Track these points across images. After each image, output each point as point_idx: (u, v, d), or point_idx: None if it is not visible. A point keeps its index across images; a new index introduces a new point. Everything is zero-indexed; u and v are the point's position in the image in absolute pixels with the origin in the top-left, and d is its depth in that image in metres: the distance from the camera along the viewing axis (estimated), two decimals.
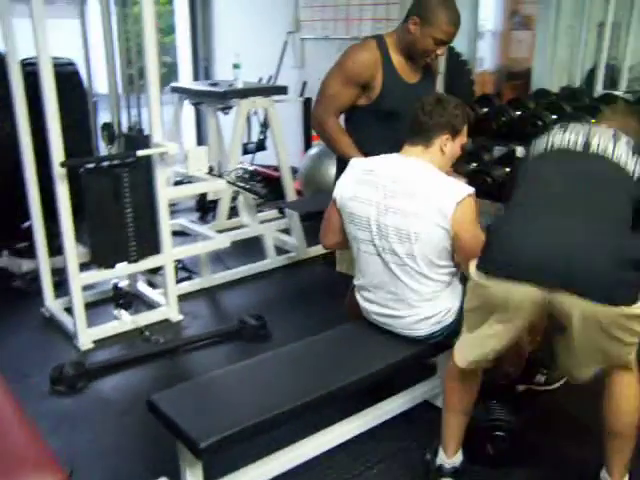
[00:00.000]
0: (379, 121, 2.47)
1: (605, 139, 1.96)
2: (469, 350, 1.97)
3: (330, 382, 2.05)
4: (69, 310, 3.21)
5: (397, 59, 2.44)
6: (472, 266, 1.91)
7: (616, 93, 3.45)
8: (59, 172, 2.79)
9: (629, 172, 1.91)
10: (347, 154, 2.49)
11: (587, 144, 1.96)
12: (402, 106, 2.34)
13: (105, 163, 2.96)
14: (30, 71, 2.97)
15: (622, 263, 1.70)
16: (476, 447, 2.19)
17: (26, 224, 4.02)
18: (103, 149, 4.06)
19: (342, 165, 2.39)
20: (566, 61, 4.01)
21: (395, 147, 2.23)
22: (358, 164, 2.27)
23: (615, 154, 1.92)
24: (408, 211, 2.09)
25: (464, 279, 2.13)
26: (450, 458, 2.10)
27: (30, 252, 3.67)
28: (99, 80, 3.69)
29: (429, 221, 2.06)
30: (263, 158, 5.17)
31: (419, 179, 2.13)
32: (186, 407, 1.92)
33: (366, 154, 2.40)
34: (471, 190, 2.10)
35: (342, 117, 2.64)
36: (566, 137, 2.02)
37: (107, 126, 3.32)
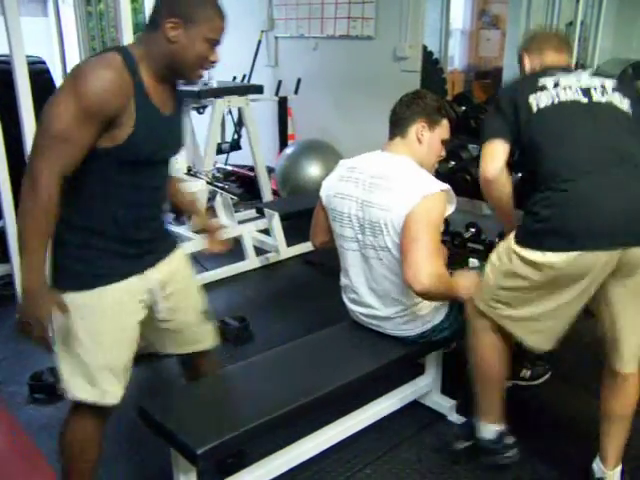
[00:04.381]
0: (123, 174, 1.64)
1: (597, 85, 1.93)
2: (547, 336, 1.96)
3: (322, 385, 2.03)
4: None
5: (149, 82, 1.62)
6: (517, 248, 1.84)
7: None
8: None
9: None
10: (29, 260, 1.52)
11: (588, 95, 1.91)
12: (156, 150, 1.68)
13: None
14: None
15: None
16: None
17: None
18: None
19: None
20: None
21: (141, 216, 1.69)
22: (344, 163, 2.31)
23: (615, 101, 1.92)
24: (382, 204, 2.10)
25: None
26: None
27: (2, 256, 3.57)
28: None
29: (397, 212, 2.06)
30: (237, 158, 5.13)
31: (396, 173, 2.13)
32: (178, 413, 1.88)
33: (89, 238, 1.65)
34: (444, 186, 2.08)
35: None
36: (563, 92, 1.93)
37: None
